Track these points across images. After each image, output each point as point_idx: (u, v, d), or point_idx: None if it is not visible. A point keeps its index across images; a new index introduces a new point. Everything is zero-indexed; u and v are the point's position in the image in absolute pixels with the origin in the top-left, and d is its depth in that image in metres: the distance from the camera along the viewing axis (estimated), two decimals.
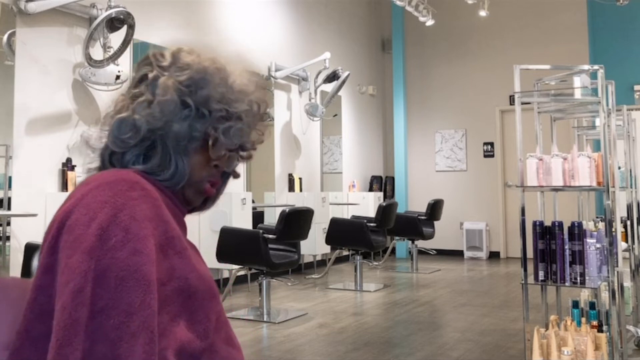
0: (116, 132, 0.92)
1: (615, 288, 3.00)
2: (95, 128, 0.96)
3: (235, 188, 6.45)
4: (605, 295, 3.25)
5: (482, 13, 8.54)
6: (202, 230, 5.89)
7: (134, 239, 0.79)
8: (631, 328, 3.93)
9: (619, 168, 3.86)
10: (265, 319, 4.89)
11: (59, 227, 0.83)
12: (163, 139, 0.92)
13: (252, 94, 0.97)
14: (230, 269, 5.65)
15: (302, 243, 5.33)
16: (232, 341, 0.93)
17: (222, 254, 4.99)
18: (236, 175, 1.03)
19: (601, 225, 3.35)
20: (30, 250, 2.30)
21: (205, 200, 1.01)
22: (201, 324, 0.86)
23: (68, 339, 0.74)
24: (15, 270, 4.02)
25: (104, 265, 0.76)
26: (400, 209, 7.55)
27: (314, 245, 7.06)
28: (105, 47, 4.88)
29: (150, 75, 0.95)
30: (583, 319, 2.98)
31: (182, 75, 0.93)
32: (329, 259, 7.21)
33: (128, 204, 0.82)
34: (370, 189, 9.48)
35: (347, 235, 6.50)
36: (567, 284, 2.91)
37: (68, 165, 4.65)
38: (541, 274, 2.94)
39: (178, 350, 0.81)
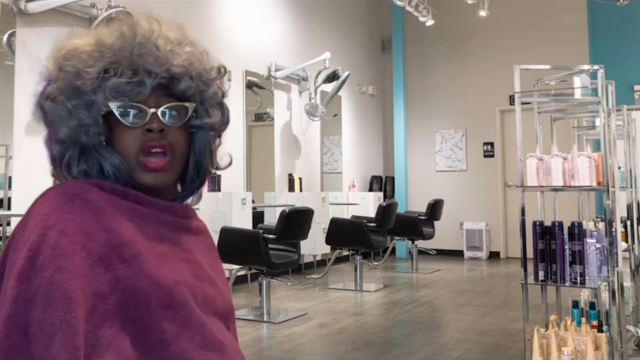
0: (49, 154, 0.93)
1: (615, 288, 3.00)
2: None
3: (235, 188, 6.45)
4: (605, 295, 3.25)
5: (482, 13, 8.54)
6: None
7: (60, 254, 0.75)
8: (631, 328, 3.93)
9: (619, 168, 3.87)
10: (265, 319, 4.89)
11: (5, 252, 0.80)
12: (81, 145, 0.88)
13: (135, 39, 0.87)
14: (230, 269, 5.65)
15: (302, 243, 5.33)
16: (215, 345, 0.86)
17: (222, 254, 4.95)
18: (206, 125, 0.93)
19: (601, 225, 3.35)
20: None
21: (185, 169, 0.93)
22: (153, 335, 0.80)
23: None
24: None
25: (34, 287, 0.74)
26: (400, 209, 7.55)
27: (314, 245, 7.06)
28: None
29: None
30: (583, 319, 2.98)
31: (51, 73, 0.91)
32: (329, 259, 7.21)
33: (61, 218, 0.78)
34: (370, 189, 9.48)
35: (347, 235, 6.50)
36: (567, 284, 2.91)
37: None
38: (541, 274, 2.94)
39: None
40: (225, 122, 0.97)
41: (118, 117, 0.86)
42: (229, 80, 6.35)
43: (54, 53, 0.91)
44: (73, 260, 0.76)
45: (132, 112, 0.86)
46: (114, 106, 0.86)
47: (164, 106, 0.88)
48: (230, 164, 1.01)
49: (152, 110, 0.87)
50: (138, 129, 0.87)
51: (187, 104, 0.90)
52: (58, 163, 0.90)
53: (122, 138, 0.87)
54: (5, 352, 0.71)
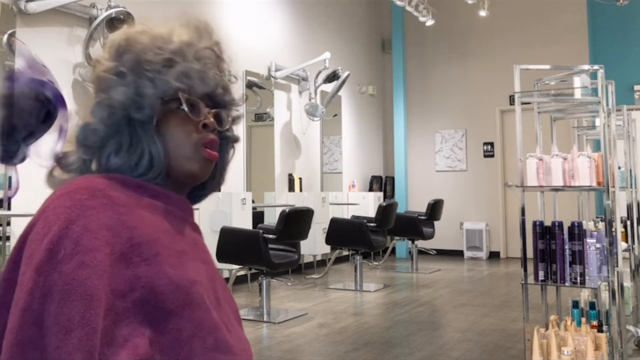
0: (82, 139, 0.91)
1: (615, 288, 3.00)
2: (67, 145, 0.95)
3: (235, 188, 6.45)
4: (605, 295, 3.25)
5: (482, 13, 8.54)
6: (202, 230, 5.88)
7: (82, 251, 0.75)
8: (631, 328, 3.93)
9: (619, 168, 3.86)
10: (265, 319, 4.89)
11: (22, 242, 0.80)
12: (130, 127, 0.89)
13: (200, 42, 0.92)
14: (230, 269, 5.65)
15: (302, 243, 5.33)
16: (226, 347, 0.87)
17: (222, 254, 4.99)
18: (235, 139, 1.00)
19: (601, 225, 3.35)
20: None
21: (213, 174, 0.98)
22: (169, 335, 0.80)
23: None
24: None
25: (51, 280, 0.73)
26: (400, 209, 7.55)
27: (314, 245, 7.06)
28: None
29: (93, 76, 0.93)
30: (583, 319, 2.98)
31: (108, 53, 0.90)
32: (329, 259, 7.21)
33: (84, 213, 0.78)
34: (370, 189, 9.48)
35: (347, 235, 6.50)
36: (567, 284, 2.91)
37: None
38: (541, 274, 2.94)
39: None
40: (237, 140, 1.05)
41: (184, 104, 0.89)
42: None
43: (125, 29, 0.93)
44: (95, 257, 0.76)
45: (194, 105, 0.91)
46: (182, 94, 0.89)
47: (216, 110, 0.94)
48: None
49: (207, 110, 0.92)
50: (192, 123, 0.91)
51: (234, 114, 0.98)
52: (97, 151, 0.89)
53: (178, 128, 0.90)
54: (18, 344, 0.71)
